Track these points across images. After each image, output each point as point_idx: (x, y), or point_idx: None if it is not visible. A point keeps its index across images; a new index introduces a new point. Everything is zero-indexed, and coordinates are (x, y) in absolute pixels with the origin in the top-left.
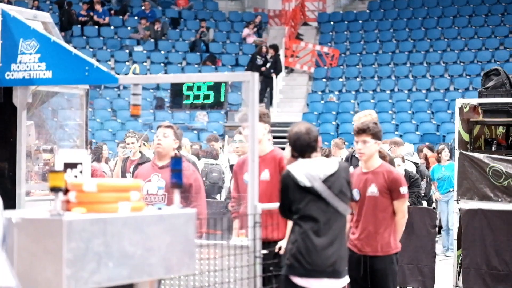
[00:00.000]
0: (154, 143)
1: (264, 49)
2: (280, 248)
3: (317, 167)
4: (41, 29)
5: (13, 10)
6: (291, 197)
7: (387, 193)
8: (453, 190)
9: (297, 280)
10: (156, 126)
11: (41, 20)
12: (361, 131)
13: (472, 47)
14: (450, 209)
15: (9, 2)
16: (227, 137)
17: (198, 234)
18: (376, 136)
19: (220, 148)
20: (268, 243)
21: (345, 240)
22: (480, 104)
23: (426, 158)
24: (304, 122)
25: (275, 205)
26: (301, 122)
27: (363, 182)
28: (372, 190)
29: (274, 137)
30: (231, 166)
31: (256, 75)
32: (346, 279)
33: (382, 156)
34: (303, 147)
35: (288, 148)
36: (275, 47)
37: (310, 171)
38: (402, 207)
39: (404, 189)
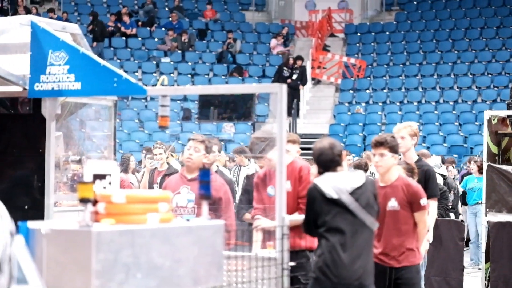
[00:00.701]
0: (184, 155)
1: (291, 61)
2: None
3: (344, 180)
4: (70, 41)
5: (43, 22)
6: (318, 209)
7: (407, 206)
8: (481, 202)
9: None
10: (188, 138)
11: (70, 32)
12: (379, 144)
13: (500, 58)
14: (478, 222)
15: (37, 14)
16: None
17: (228, 246)
18: (393, 149)
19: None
20: (296, 252)
21: (372, 254)
22: (508, 116)
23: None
24: (327, 138)
25: (302, 216)
26: (324, 138)
27: (382, 196)
28: (393, 204)
29: (301, 149)
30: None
31: (284, 86)
32: None
33: (411, 169)
34: (327, 163)
35: (314, 165)
36: (300, 58)
37: (337, 184)
38: (423, 218)
39: (424, 201)
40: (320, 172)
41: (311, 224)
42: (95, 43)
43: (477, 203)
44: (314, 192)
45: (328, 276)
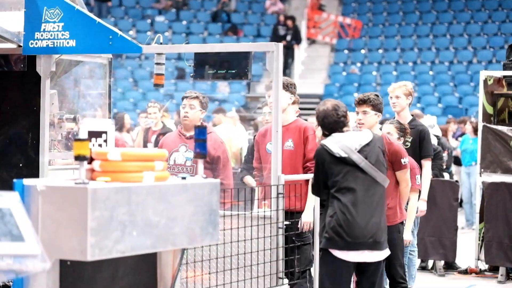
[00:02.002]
0: (180, 114)
1: (281, 18)
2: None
3: (352, 139)
4: None
5: None
6: (327, 170)
7: (389, 164)
8: (475, 164)
9: (337, 253)
10: (181, 97)
11: None
12: (362, 102)
13: (496, 19)
14: (472, 182)
15: None
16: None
17: (226, 206)
18: (376, 108)
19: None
20: (291, 214)
21: (385, 211)
22: (504, 76)
23: (446, 131)
24: (330, 100)
25: (299, 176)
26: (327, 100)
27: None
28: None
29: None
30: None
31: (280, 45)
32: (387, 251)
33: (403, 129)
34: (331, 124)
35: (319, 128)
36: (291, 18)
37: (345, 143)
38: (405, 176)
39: (405, 160)
40: (326, 135)
41: (321, 185)
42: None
43: (471, 164)
44: (322, 153)
45: (341, 236)
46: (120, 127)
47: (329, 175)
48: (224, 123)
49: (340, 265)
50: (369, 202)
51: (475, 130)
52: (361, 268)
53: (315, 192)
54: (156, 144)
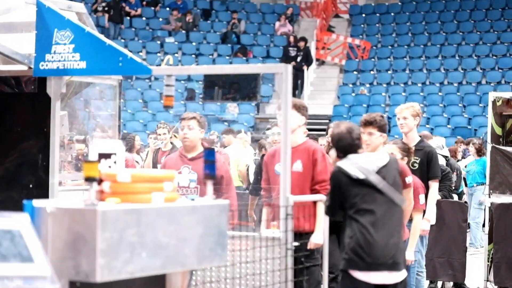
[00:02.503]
0: (180, 136)
1: (291, 39)
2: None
3: (368, 160)
4: (76, 20)
5: (48, 1)
6: (345, 192)
7: None
8: (477, 185)
9: (357, 274)
10: (179, 118)
11: (75, 11)
12: (368, 123)
13: (505, 40)
14: (474, 203)
15: None
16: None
17: (230, 226)
18: (382, 129)
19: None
20: (300, 235)
21: (403, 232)
22: None
23: (455, 152)
24: (344, 122)
25: (307, 197)
26: (342, 122)
27: None
28: None
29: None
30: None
31: (289, 66)
32: (405, 273)
33: (407, 149)
34: (346, 147)
35: (333, 150)
36: (303, 39)
37: (362, 164)
38: (408, 195)
39: (409, 179)
40: (340, 157)
41: (337, 208)
42: (107, 24)
43: (473, 185)
44: (339, 175)
45: (361, 257)
46: (130, 148)
47: (347, 196)
48: (234, 144)
49: (360, 287)
50: (388, 223)
51: (478, 152)
52: None
53: (330, 213)
54: None
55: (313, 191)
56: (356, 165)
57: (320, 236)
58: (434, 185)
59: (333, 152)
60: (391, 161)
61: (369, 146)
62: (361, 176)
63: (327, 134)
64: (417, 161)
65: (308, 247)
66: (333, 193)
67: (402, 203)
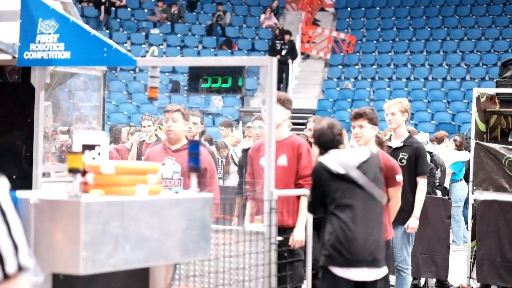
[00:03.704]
0: (164, 128)
1: (277, 32)
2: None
3: (349, 156)
4: (60, 9)
5: None
6: (325, 187)
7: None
8: (452, 182)
9: (337, 270)
10: (163, 111)
11: (60, 0)
12: (358, 115)
13: (490, 36)
14: (453, 200)
15: None
16: (241, 122)
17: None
18: (372, 121)
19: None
20: (283, 230)
21: (383, 228)
22: (497, 94)
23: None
24: (326, 118)
25: (292, 191)
26: (323, 118)
27: None
28: None
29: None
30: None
31: (275, 59)
32: (385, 269)
33: (380, 142)
34: (327, 143)
35: (315, 146)
36: (288, 33)
37: (343, 160)
38: (397, 194)
39: (399, 177)
40: (322, 153)
41: (318, 203)
42: (102, 16)
43: (451, 183)
44: (320, 170)
45: (341, 253)
46: (116, 140)
47: (327, 192)
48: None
49: (340, 283)
50: (368, 219)
51: (458, 148)
52: (359, 286)
53: (311, 209)
54: None
55: (297, 185)
56: (337, 160)
57: (301, 232)
58: (422, 182)
59: (315, 149)
60: (372, 157)
61: (361, 139)
62: (341, 171)
63: (306, 128)
64: (405, 157)
65: (290, 243)
66: (314, 189)
67: (382, 199)
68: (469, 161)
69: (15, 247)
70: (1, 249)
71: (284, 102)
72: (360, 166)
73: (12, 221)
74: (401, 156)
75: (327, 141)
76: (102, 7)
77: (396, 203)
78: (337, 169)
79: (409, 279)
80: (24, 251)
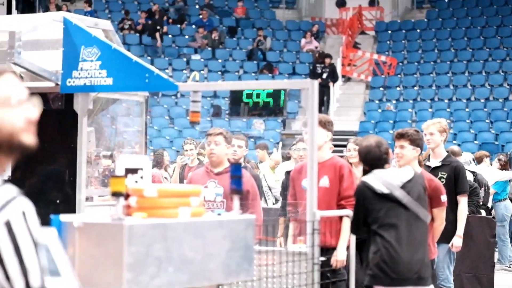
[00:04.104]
0: (206, 151)
1: (317, 56)
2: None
3: (393, 175)
4: (102, 37)
5: (75, 18)
6: (369, 207)
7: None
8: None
9: None
10: (205, 134)
11: (102, 28)
12: (400, 135)
13: None
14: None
15: (68, 11)
16: (280, 143)
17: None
18: (415, 143)
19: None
20: (326, 250)
21: (428, 247)
22: None
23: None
24: (373, 135)
25: (334, 212)
26: (370, 136)
27: None
28: None
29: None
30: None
31: (316, 82)
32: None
33: (418, 161)
34: (374, 161)
35: (360, 168)
36: (328, 56)
37: (386, 179)
38: (442, 214)
39: (444, 197)
40: (366, 171)
41: (361, 223)
42: (159, 43)
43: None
44: (363, 189)
45: (386, 273)
46: (159, 163)
47: (370, 211)
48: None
49: None
50: (412, 238)
51: (503, 167)
52: None
53: (354, 230)
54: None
55: (339, 206)
56: (381, 180)
57: (343, 252)
58: (463, 200)
59: (359, 171)
60: (416, 177)
61: (401, 159)
62: (385, 190)
63: (346, 149)
64: (444, 176)
65: (332, 263)
66: (357, 208)
67: (426, 219)
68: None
69: (24, 269)
70: (8, 270)
71: (325, 124)
72: (404, 186)
73: (24, 242)
74: (440, 175)
75: (375, 158)
76: (157, 34)
77: (440, 223)
78: (381, 189)
79: None
80: (34, 273)
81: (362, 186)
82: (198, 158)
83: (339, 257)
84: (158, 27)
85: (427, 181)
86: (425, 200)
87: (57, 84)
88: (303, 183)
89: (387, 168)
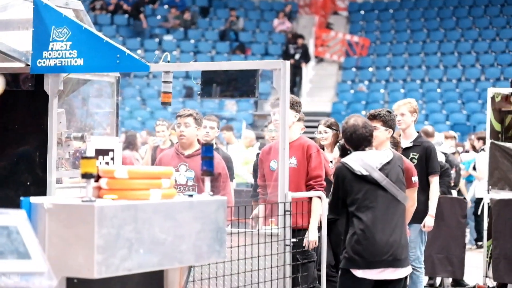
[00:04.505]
0: (176, 133)
1: (290, 37)
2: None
3: (372, 157)
4: (73, 17)
5: None
6: (348, 188)
7: None
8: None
9: (357, 272)
10: (176, 116)
11: (72, 8)
12: (372, 117)
13: (504, 36)
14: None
15: None
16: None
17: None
18: (387, 124)
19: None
20: (296, 231)
21: (405, 228)
22: None
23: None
24: (359, 115)
25: (305, 193)
26: (356, 115)
27: None
28: None
29: (305, 127)
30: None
31: (287, 63)
32: (409, 269)
33: (396, 143)
34: (359, 141)
35: (336, 149)
36: (301, 37)
37: (366, 161)
38: (413, 195)
39: (415, 178)
40: (346, 149)
41: (339, 204)
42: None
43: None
44: (343, 171)
45: (361, 255)
46: (132, 145)
47: (349, 192)
48: (236, 142)
49: (360, 284)
50: (389, 220)
51: (473, 148)
52: (379, 285)
53: (332, 211)
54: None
55: (308, 186)
56: (360, 161)
57: (314, 233)
58: (434, 180)
59: (336, 152)
60: (395, 158)
61: (374, 140)
62: (364, 172)
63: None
64: (416, 157)
65: (304, 245)
66: (336, 189)
67: (404, 201)
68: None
69: None
70: None
71: (293, 105)
72: (383, 168)
73: None
74: (411, 156)
75: (360, 139)
76: (142, 15)
77: (412, 204)
78: (360, 170)
79: (423, 278)
80: None
81: (342, 167)
82: (170, 140)
83: (310, 238)
84: (141, 8)
85: None
86: (403, 182)
87: (27, 65)
88: (271, 164)
89: (368, 150)
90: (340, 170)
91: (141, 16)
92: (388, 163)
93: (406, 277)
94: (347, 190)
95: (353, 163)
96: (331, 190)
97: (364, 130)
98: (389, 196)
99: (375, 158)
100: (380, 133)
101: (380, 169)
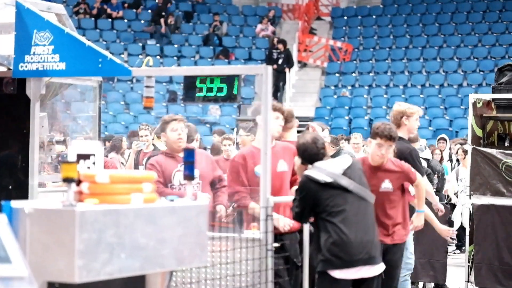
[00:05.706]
0: (173, 137)
1: (274, 41)
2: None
3: (333, 164)
4: (55, 21)
5: (28, 2)
6: (316, 198)
7: (403, 182)
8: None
9: (335, 273)
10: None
11: (55, 12)
12: (393, 139)
13: (486, 43)
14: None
15: None
16: (235, 129)
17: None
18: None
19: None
20: (280, 235)
21: (376, 227)
22: (493, 99)
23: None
24: (309, 132)
25: (286, 198)
26: (306, 133)
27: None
28: (386, 185)
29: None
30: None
31: (269, 68)
32: (382, 266)
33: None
34: (312, 157)
35: (297, 157)
36: (283, 42)
37: (327, 169)
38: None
39: (413, 175)
40: (305, 164)
41: (306, 213)
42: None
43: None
44: (307, 183)
45: (338, 256)
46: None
47: (319, 201)
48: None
49: (338, 285)
50: (361, 220)
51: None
52: (357, 284)
53: (298, 218)
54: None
55: (292, 184)
56: (322, 171)
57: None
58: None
59: (297, 159)
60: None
61: (383, 159)
62: (328, 180)
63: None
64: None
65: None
66: (302, 201)
67: (371, 200)
68: None
69: None
70: None
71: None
72: (345, 173)
73: None
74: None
75: (312, 155)
76: (162, 20)
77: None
78: (324, 179)
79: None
80: None
81: (306, 180)
82: (153, 144)
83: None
84: (163, 13)
85: (396, 166)
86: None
87: (9, 69)
88: (256, 169)
89: (326, 160)
90: (304, 184)
91: (162, 21)
92: (349, 167)
93: (380, 275)
94: (316, 200)
95: (316, 174)
96: (295, 200)
97: (314, 146)
98: (357, 198)
99: (336, 165)
100: (390, 152)
101: (343, 174)
